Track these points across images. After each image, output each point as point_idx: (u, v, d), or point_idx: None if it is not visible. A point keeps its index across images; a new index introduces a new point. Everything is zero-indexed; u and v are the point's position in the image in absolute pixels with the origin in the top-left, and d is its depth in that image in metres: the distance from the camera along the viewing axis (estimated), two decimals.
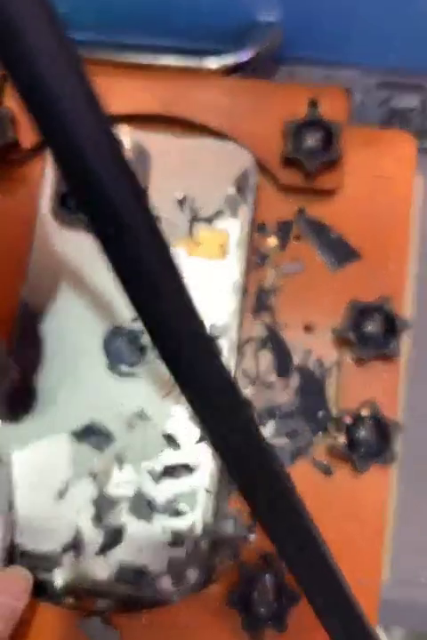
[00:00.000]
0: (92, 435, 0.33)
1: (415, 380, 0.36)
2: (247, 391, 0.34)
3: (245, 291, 0.35)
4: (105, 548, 0.32)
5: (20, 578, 0.31)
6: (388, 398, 0.33)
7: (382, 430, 0.32)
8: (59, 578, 0.32)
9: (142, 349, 0.34)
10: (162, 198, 0.36)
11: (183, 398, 0.33)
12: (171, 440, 0.33)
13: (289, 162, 0.35)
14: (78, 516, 0.32)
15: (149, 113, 0.37)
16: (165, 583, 0.32)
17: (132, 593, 0.32)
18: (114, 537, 0.32)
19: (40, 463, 0.33)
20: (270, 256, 0.36)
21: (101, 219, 0.13)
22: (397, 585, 0.34)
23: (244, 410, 0.16)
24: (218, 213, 0.35)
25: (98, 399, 0.34)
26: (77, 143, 0.12)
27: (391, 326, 0.33)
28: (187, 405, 0.16)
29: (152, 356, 0.34)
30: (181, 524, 0.32)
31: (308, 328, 0.35)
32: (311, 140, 0.35)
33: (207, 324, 0.33)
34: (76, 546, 0.32)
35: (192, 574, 0.32)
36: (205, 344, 0.15)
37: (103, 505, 0.32)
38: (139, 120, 0.37)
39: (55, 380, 0.34)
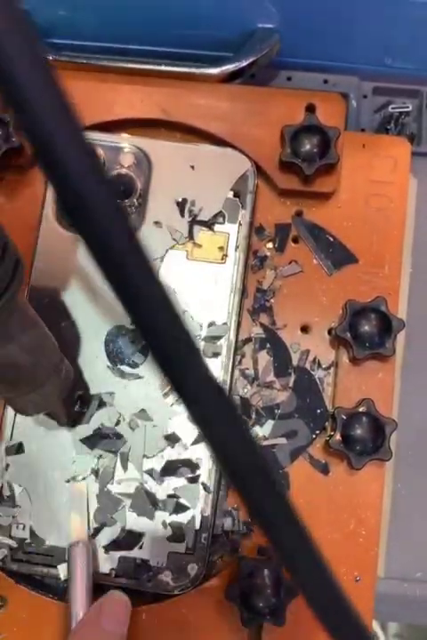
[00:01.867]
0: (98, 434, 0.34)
1: (410, 378, 0.36)
2: (246, 391, 0.35)
3: (243, 292, 0.35)
4: (107, 543, 0.33)
5: (122, 602, 0.30)
6: (383, 396, 0.34)
7: (378, 428, 0.33)
8: (61, 573, 0.32)
9: (143, 349, 0.34)
10: (162, 202, 0.36)
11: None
12: (171, 438, 0.33)
13: (287, 166, 0.36)
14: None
15: (150, 118, 0.38)
16: (166, 577, 0.32)
17: (133, 587, 0.32)
18: (116, 533, 0.33)
19: (43, 460, 0.34)
20: (269, 258, 0.36)
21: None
22: (392, 580, 0.35)
23: (233, 414, 0.16)
24: (217, 217, 0.36)
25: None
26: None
27: (387, 326, 0.34)
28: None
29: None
30: (181, 519, 0.33)
31: (305, 329, 0.36)
32: (309, 144, 0.36)
33: (208, 324, 0.34)
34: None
35: (192, 569, 0.32)
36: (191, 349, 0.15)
37: (105, 501, 0.33)
38: (139, 126, 0.38)
39: None
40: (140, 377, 0.34)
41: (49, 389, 0.29)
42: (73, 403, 0.33)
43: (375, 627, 0.41)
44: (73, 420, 0.33)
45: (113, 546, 0.33)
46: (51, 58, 0.38)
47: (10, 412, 0.34)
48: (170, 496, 0.33)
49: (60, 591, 0.33)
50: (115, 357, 0.34)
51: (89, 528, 0.33)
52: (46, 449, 0.34)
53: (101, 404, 0.34)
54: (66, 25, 0.39)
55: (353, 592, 0.32)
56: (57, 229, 0.36)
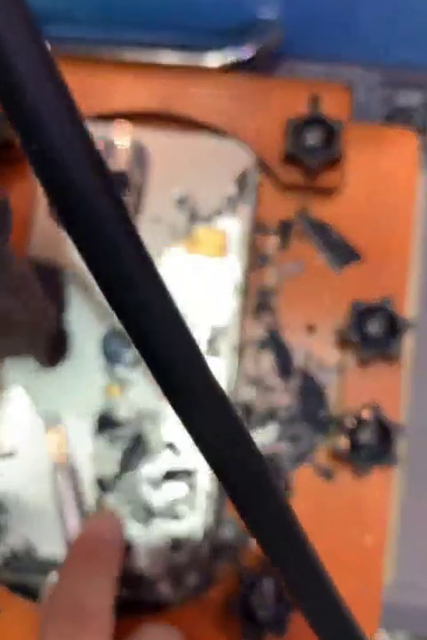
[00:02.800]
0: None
1: (418, 380, 0.36)
2: (248, 393, 0.34)
3: (245, 291, 0.35)
4: None
5: (111, 513, 0.32)
6: (390, 400, 0.33)
7: (385, 432, 0.32)
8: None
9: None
10: (161, 196, 0.35)
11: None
12: (170, 445, 0.33)
13: (290, 160, 0.35)
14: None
15: (149, 110, 0.37)
16: (165, 587, 0.31)
17: (132, 597, 0.32)
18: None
19: (37, 467, 0.33)
20: (271, 256, 0.36)
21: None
22: (400, 588, 0.34)
23: (235, 423, 0.16)
24: (218, 212, 0.35)
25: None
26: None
27: (394, 327, 0.33)
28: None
29: None
30: (180, 528, 0.32)
31: (309, 329, 0.35)
32: (313, 137, 0.35)
33: (207, 324, 0.33)
34: None
35: (192, 579, 0.31)
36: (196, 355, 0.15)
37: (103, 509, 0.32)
38: (138, 117, 0.37)
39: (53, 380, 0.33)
40: (137, 379, 0.33)
41: (33, 333, 0.29)
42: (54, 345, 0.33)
43: (383, 636, 0.40)
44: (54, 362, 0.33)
45: None
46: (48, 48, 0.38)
47: (2, 418, 0.33)
48: (169, 504, 0.32)
49: None
50: (112, 356, 0.34)
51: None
52: (40, 456, 0.33)
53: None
54: (63, 15, 0.39)
55: (359, 601, 0.32)
56: (51, 224, 0.35)
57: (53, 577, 0.30)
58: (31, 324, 0.28)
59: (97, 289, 0.31)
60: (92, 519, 0.31)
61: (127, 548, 0.32)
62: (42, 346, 0.31)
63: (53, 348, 0.33)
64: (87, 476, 0.33)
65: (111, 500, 0.32)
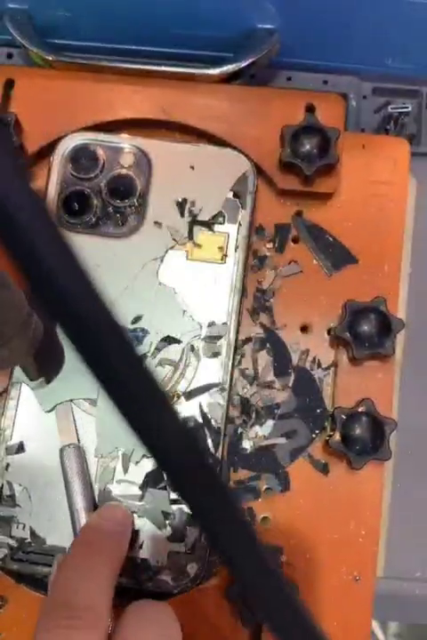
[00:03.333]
0: None
1: (409, 378, 0.36)
2: (246, 391, 0.35)
3: (243, 292, 0.36)
4: None
5: (120, 507, 0.32)
6: (383, 396, 0.34)
7: (378, 428, 0.33)
8: None
9: (142, 351, 0.34)
10: (162, 203, 0.36)
11: (182, 399, 0.34)
12: None
13: (287, 166, 0.36)
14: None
15: (150, 119, 0.38)
16: (166, 577, 0.32)
17: (133, 586, 0.32)
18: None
19: (44, 460, 0.34)
20: (268, 258, 0.36)
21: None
22: (392, 579, 0.35)
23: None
24: (217, 217, 0.36)
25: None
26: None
27: (386, 326, 0.34)
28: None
29: (151, 358, 0.34)
30: (181, 518, 0.33)
31: (305, 329, 0.36)
32: (309, 144, 0.36)
33: (207, 324, 0.34)
34: None
35: (192, 568, 0.32)
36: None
37: (106, 501, 0.33)
38: (139, 126, 0.38)
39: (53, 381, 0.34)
40: None
41: (17, 344, 0.29)
42: (44, 359, 0.33)
43: (375, 626, 0.41)
44: (45, 378, 0.34)
45: None
46: (51, 58, 0.38)
47: (10, 411, 0.34)
48: (169, 495, 0.33)
49: None
50: None
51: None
52: (47, 448, 0.34)
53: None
54: (66, 25, 0.39)
55: (353, 591, 0.33)
56: None
57: (54, 567, 0.31)
58: (10, 330, 0.29)
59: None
60: (98, 512, 0.32)
61: (132, 539, 0.32)
62: (27, 355, 0.31)
63: (44, 362, 0.33)
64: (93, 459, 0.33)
65: (114, 492, 0.33)
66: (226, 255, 0.36)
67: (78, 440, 0.33)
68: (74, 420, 0.34)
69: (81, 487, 0.32)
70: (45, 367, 0.33)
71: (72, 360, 0.34)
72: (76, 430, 0.34)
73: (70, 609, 0.25)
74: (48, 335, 0.32)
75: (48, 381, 0.34)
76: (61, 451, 0.33)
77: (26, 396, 0.34)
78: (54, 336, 0.33)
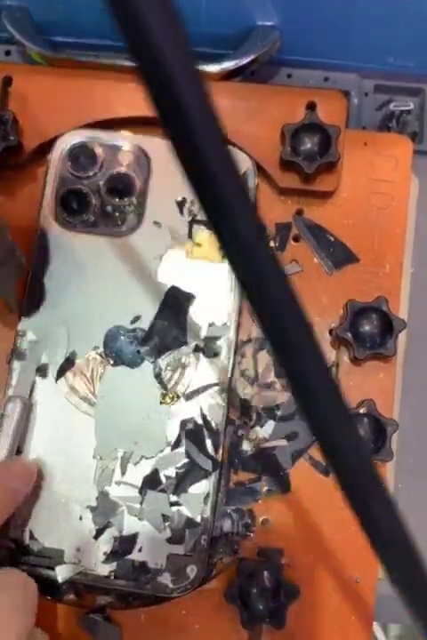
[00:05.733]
0: None
1: (411, 378, 0.36)
2: (246, 392, 0.35)
3: (243, 292, 0.35)
4: (106, 545, 0.32)
5: (28, 464, 0.33)
6: (384, 397, 0.34)
7: (379, 428, 0.33)
8: (59, 575, 0.32)
9: (141, 351, 0.34)
10: (162, 201, 0.36)
11: (181, 400, 0.34)
12: (170, 440, 0.33)
13: (287, 164, 0.36)
14: (81, 513, 0.33)
15: (149, 117, 0.37)
16: (165, 579, 0.32)
17: (132, 589, 0.32)
18: (115, 535, 0.32)
19: (41, 462, 0.33)
20: None
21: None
22: None
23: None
24: None
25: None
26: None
27: (388, 326, 0.33)
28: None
29: (151, 357, 0.34)
30: (180, 520, 0.32)
31: None
32: (309, 142, 0.36)
33: (207, 324, 0.34)
34: (78, 543, 0.32)
35: (191, 571, 0.32)
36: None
37: (104, 504, 0.33)
38: (139, 123, 0.37)
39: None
40: (139, 378, 0.34)
41: (6, 271, 0.31)
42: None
43: (376, 628, 0.41)
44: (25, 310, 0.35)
45: (112, 548, 0.32)
46: (49, 55, 0.38)
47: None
48: (169, 497, 0.33)
49: (58, 592, 0.33)
50: (114, 357, 0.34)
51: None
52: (45, 450, 0.33)
53: None
54: (64, 22, 0.39)
55: (354, 593, 0.32)
56: (55, 228, 0.36)
57: None
58: (3, 254, 0.30)
59: (99, 291, 0.32)
60: (7, 463, 0.32)
61: (131, 542, 0.32)
62: (13, 284, 0.33)
63: (25, 295, 0.35)
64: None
65: (112, 494, 0.33)
66: None
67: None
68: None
69: (9, 441, 0.32)
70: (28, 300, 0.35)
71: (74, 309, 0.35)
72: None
73: None
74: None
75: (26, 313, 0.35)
76: (6, 402, 0.33)
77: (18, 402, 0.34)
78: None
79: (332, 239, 0.36)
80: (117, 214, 0.36)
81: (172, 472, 0.33)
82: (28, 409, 0.33)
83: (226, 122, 0.39)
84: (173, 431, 0.33)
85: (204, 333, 0.34)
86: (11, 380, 0.34)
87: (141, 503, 0.33)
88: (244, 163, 0.36)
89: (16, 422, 0.33)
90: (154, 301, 0.35)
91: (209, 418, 0.33)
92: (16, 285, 0.34)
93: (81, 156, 0.36)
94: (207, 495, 0.32)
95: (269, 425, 0.34)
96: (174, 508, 0.33)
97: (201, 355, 0.34)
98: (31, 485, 0.32)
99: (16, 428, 0.33)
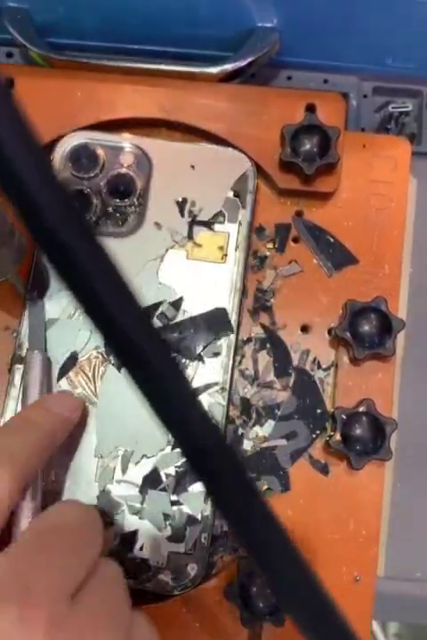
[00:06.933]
0: None
1: (410, 378, 0.36)
2: (246, 391, 0.35)
3: (243, 292, 0.35)
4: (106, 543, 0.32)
5: (71, 395, 0.34)
6: (383, 396, 0.34)
7: (378, 428, 0.33)
8: None
9: None
10: (162, 202, 0.36)
11: None
12: (170, 440, 0.33)
13: (287, 166, 0.36)
14: None
15: (150, 118, 0.38)
16: (166, 577, 0.32)
17: (133, 587, 0.32)
18: (116, 533, 0.33)
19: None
20: (269, 258, 0.36)
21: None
22: (392, 580, 0.35)
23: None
24: (217, 217, 0.36)
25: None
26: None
27: (387, 326, 0.34)
28: None
29: None
30: (180, 519, 0.33)
31: (305, 329, 0.36)
32: (309, 144, 0.36)
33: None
34: None
35: (192, 569, 0.32)
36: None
37: (105, 502, 0.33)
38: (140, 125, 0.38)
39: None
40: None
41: (5, 252, 0.31)
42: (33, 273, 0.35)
43: (375, 626, 0.41)
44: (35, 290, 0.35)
45: (113, 546, 0.32)
46: (51, 57, 0.38)
47: (10, 412, 0.34)
48: (169, 496, 0.33)
49: None
50: (114, 359, 0.34)
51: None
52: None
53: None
54: (66, 24, 0.39)
55: (353, 592, 0.32)
56: None
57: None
58: (1, 237, 0.30)
59: None
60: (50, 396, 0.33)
61: (132, 540, 0.32)
62: (14, 266, 0.33)
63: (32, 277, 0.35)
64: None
65: (113, 492, 0.33)
66: (226, 255, 0.35)
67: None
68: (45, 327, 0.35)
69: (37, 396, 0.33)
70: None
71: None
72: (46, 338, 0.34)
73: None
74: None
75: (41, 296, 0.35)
76: (27, 355, 0.34)
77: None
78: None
79: (331, 240, 0.36)
80: (118, 215, 0.36)
81: (172, 471, 0.33)
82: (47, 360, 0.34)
83: (226, 124, 0.39)
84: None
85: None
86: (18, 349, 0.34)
87: (142, 502, 0.33)
88: (243, 164, 0.36)
89: (41, 371, 0.33)
90: (154, 301, 0.35)
91: None
92: (19, 267, 0.34)
93: (82, 158, 0.37)
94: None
95: (269, 424, 0.34)
96: (175, 507, 0.33)
97: (201, 354, 0.34)
98: (78, 416, 0.32)
99: (42, 376, 0.33)
